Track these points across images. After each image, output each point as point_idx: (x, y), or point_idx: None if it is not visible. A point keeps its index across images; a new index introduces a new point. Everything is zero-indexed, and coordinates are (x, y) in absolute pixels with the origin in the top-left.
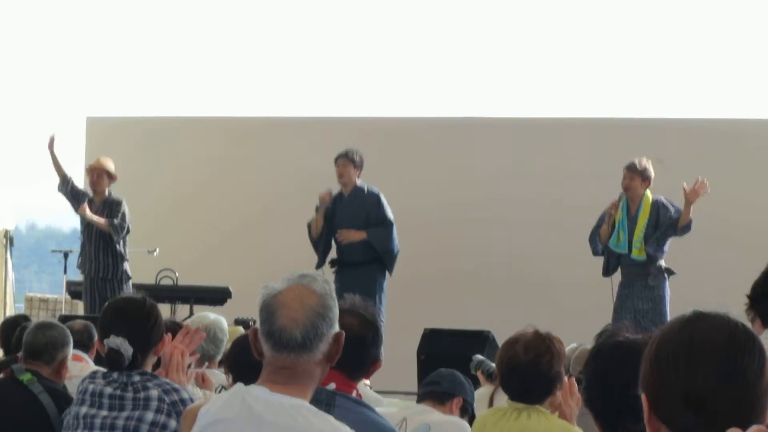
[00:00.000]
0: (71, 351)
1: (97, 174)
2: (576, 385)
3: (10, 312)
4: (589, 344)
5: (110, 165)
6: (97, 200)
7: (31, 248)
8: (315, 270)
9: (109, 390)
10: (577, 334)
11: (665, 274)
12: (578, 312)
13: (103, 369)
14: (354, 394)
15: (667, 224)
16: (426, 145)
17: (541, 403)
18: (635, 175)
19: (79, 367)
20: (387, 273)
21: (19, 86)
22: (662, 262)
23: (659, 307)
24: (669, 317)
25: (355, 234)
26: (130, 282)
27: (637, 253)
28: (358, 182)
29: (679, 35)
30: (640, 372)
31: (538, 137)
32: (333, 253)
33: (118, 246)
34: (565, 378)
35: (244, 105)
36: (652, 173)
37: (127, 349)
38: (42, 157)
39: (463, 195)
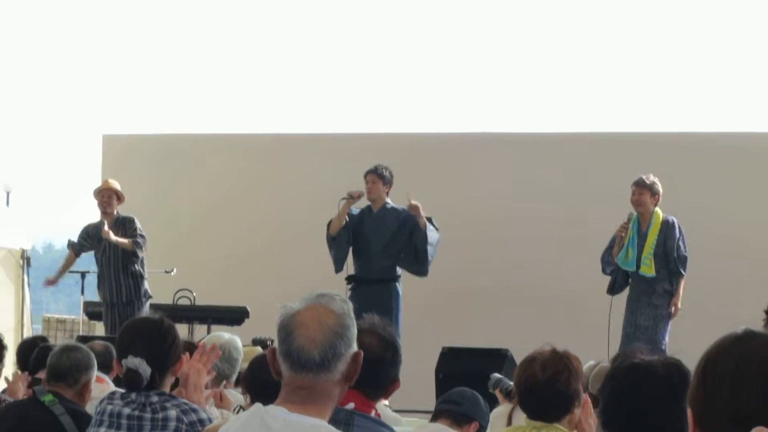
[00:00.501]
0: (95, 374)
1: (107, 195)
2: (591, 402)
3: (28, 333)
4: (606, 362)
5: (118, 186)
6: (107, 221)
7: (48, 268)
8: (336, 276)
9: (127, 411)
10: (595, 352)
11: (669, 298)
12: (596, 330)
13: (121, 390)
14: (373, 413)
15: (676, 259)
16: (443, 162)
17: (560, 421)
18: (644, 190)
19: (100, 389)
20: (400, 294)
21: (35, 105)
22: (671, 285)
23: (660, 326)
24: (667, 338)
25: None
26: (150, 301)
27: (646, 270)
28: (388, 201)
29: (687, 50)
30: (689, 388)
31: (555, 154)
32: (349, 269)
33: (137, 266)
34: (584, 396)
35: (260, 122)
36: (660, 189)
37: (145, 370)
38: (59, 177)
39: (480, 212)
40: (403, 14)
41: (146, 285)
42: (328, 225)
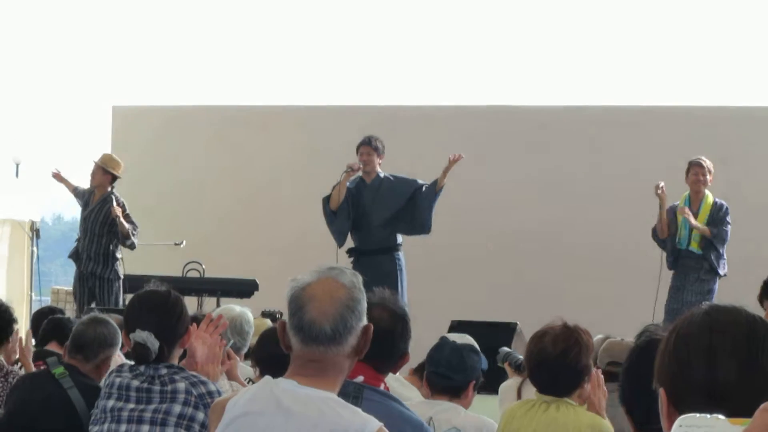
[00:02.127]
0: (117, 350)
1: (93, 168)
2: (602, 377)
3: (35, 305)
4: (616, 336)
5: (109, 163)
6: (98, 194)
7: (57, 240)
8: (339, 250)
9: (136, 383)
10: (605, 326)
11: (718, 272)
12: (604, 303)
13: (130, 362)
14: (382, 387)
15: (717, 234)
16: (450, 132)
17: (570, 395)
18: (705, 171)
19: (114, 361)
20: (403, 262)
21: (45, 76)
22: (715, 262)
23: (706, 300)
24: None
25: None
26: (120, 282)
27: (696, 246)
28: (380, 171)
29: (739, 23)
30: (656, 365)
31: (569, 124)
32: (350, 242)
33: (111, 246)
34: (594, 370)
35: (270, 93)
36: (713, 170)
37: (153, 343)
38: (68, 148)
39: (489, 181)
40: None
41: (117, 266)
42: (326, 200)
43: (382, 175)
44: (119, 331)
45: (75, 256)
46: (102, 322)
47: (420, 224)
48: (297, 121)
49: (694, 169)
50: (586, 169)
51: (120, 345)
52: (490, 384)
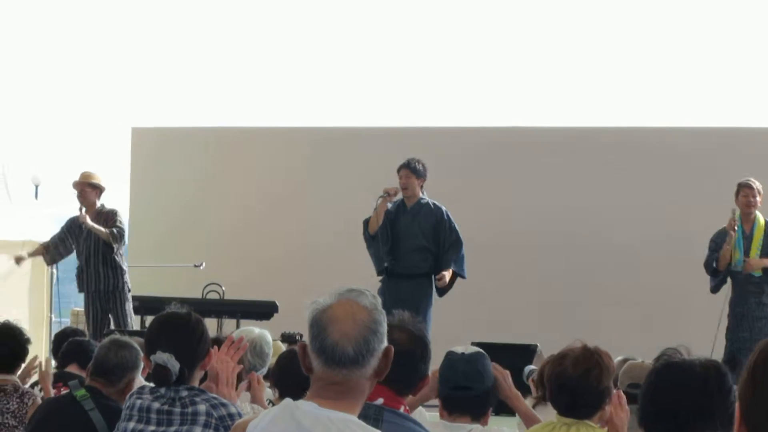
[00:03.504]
0: (139, 373)
1: (79, 188)
2: (624, 398)
3: (54, 327)
4: (637, 357)
5: (92, 178)
6: (89, 214)
7: (76, 262)
8: (365, 271)
9: (156, 405)
10: (622, 349)
11: None
12: (624, 325)
13: (150, 384)
14: (402, 409)
15: None
16: (472, 155)
17: (591, 417)
18: (757, 193)
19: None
20: (432, 288)
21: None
22: None
23: None
24: None
25: (448, 276)
26: (131, 295)
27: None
28: (423, 196)
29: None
30: (739, 382)
31: (587, 148)
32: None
33: (117, 258)
34: (616, 391)
35: (294, 115)
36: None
37: (174, 365)
38: (87, 168)
39: (512, 205)
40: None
41: (126, 278)
42: (366, 223)
43: (423, 200)
44: (141, 353)
45: (80, 284)
46: (124, 346)
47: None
48: (311, 140)
49: (744, 191)
50: (611, 190)
51: (141, 366)
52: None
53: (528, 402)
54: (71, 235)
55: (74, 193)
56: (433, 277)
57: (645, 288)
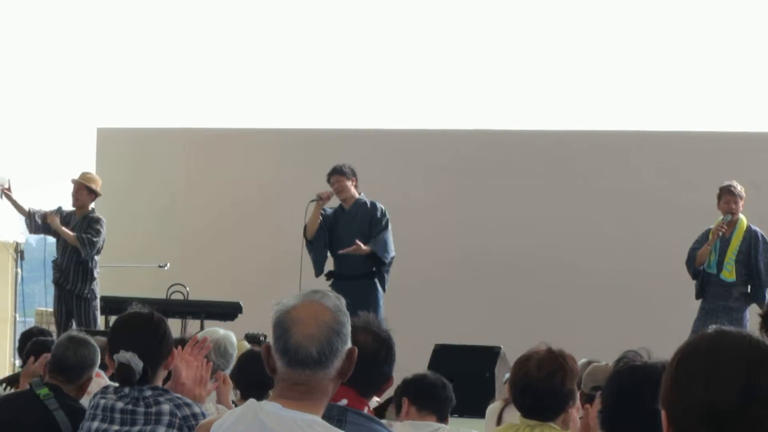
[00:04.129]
0: (96, 369)
1: (76, 187)
2: (596, 400)
3: (19, 325)
4: (601, 360)
5: (92, 181)
6: (78, 214)
7: (42, 261)
8: (315, 277)
9: (120, 405)
10: (586, 350)
11: (746, 300)
12: (587, 326)
13: (114, 384)
14: (365, 410)
15: (765, 271)
16: (433, 156)
17: (554, 420)
18: (737, 199)
19: (97, 383)
20: (383, 287)
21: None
22: (747, 288)
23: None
24: None
25: (359, 249)
26: (97, 301)
27: (727, 275)
28: (360, 196)
29: (754, 47)
30: (661, 387)
31: (555, 150)
32: (330, 265)
33: (90, 263)
34: (578, 394)
35: (254, 116)
36: (744, 195)
37: (137, 364)
38: (52, 169)
39: (471, 206)
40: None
41: (95, 285)
42: (304, 229)
43: (361, 200)
44: (98, 349)
45: (58, 278)
46: (82, 343)
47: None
48: (280, 143)
49: (726, 197)
50: (571, 192)
51: (98, 362)
52: (477, 407)
53: (497, 404)
54: (35, 223)
55: (43, 190)
56: (377, 279)
57: (610, 289)
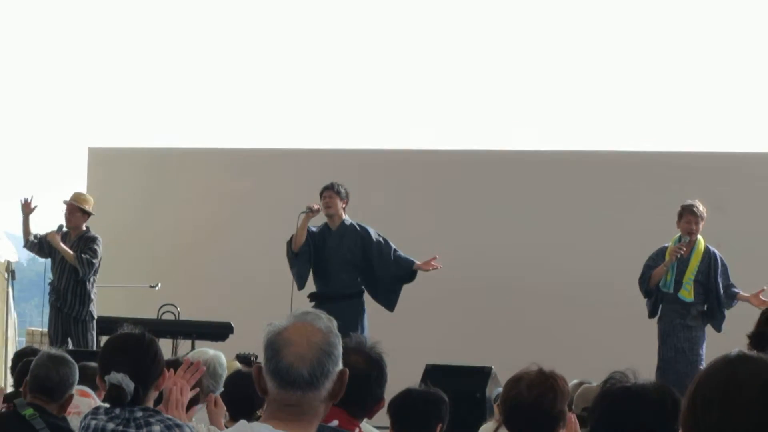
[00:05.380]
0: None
1: (70, 209)
2: (576, 422)
3: (12, 346)
4: (592, 381)
5: (85, 201)
6: (73, 235)
7: (33, 281)
8: (298, 290)
9: (111, 426)
10: (577, 372)
11: (703, 319)
12: (579, 347)
13: (106, 405)
14: (356, 431)
15: (723, 292)
16: (429, 178)
17: None
18: (699, 219)
19: (87, 404)
20: (365, 308)
21: (21, 117)
22: (704, 307)
23: (696, 347)
24: (704, 360)
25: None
26: (94, 322)
27: (686, 294)
28: (345, 217)
29: (738, 68)
30: (681, 409)
31: (543, 171)
32: (311, 286)
33: (87, 284)
34: (570, 415)
35: (247, 136)
36: (705, 216)
37: (128, 384)
38: (44, 188)
39: (464, 227)
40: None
41: (92, 307)
42: (289, 243)
43: (348, 222)
44: (76, 365)
45: (54, 300)
46: (62, 362)
47: (385, 299)
48: (272, 163)
49: (687, 217)
50: (566, 215)
51: (77, 379)
52: (468, 427)
53: (490, 425)
54: (50, 247)
55: (30, 209)
56: (362, 297)
57: (603, 309)
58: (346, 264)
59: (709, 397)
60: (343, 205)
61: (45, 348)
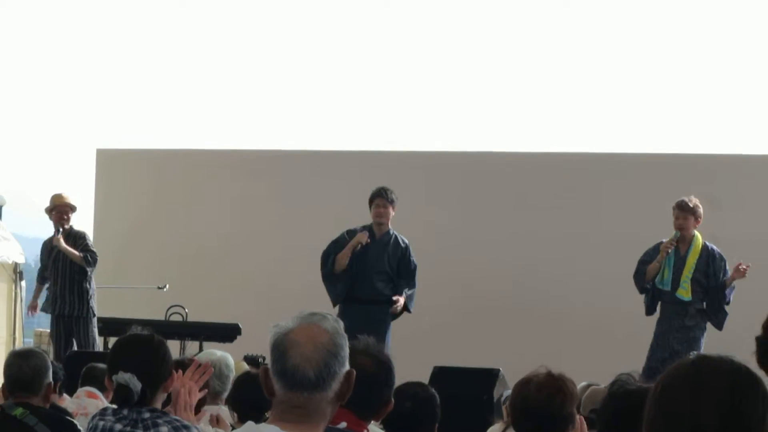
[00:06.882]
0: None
1: (64, 210)
2: (585, 423)
3: (20, 347)
4: (600, 383)
5: (72, 200)
6: (63, 233)
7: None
8: (332, 306)
9: (119, 427)
10: (585, 374)
11: (703, 317)
12: (587, 349)
13: (113, 406)
14: None
15: (719, 287)
16: (438, 180)
17: None
18: (688, 215)
19: (95, 405)
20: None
21: (30, 118)
22: (703, 305)
23: (693, 348)
24: None
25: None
26: (95, 319)
27: (683, 293)
28: (390, 228)
29: (731, 69)
30: (644, 414)
31: (555, 172)
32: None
33: (85, 283)
34: (579, 418)
35: (257, 138)
36: (701, 211)
37: (136, 385)
38: (52, 190)
39: (473, 229)
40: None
41: (92, 303)
42: (328, 259)
43: (392, 232)
44: (45, 354)
45: (50, 303)
46: (30, 354)
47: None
48: (281, 165)
49: (676, 212)
50: (571, 218)
51: (51, 367)
52: (475, 429)
53: (498, 427)
54: (44, 256)
55: (41, 211)
56: (390, 303)
57: (611, 311)
58: (382, 273)
59: (676, 400)
60: (393, 213)
61: (51, 348)
